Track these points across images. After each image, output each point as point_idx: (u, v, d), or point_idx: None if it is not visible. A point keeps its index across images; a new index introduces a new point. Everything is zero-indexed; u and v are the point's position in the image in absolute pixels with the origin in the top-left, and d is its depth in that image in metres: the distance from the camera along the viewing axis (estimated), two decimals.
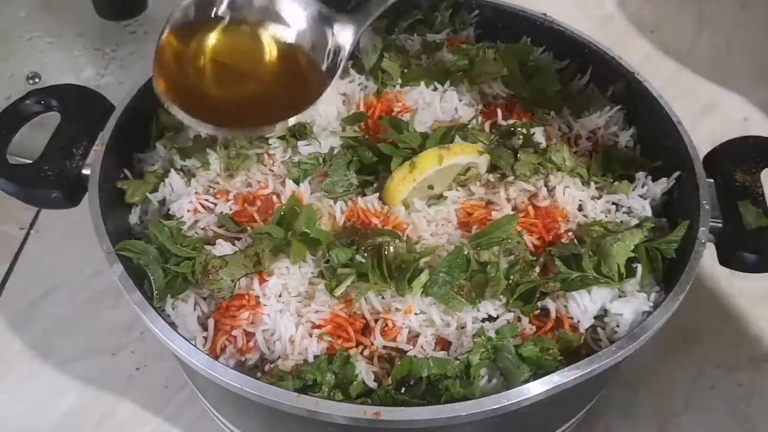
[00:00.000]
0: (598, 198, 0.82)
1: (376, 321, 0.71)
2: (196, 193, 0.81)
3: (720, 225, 0.78)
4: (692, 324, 1.04)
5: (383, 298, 0.72)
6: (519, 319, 0.71)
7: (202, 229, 0.79)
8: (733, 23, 1.49)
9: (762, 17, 1.50)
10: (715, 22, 1.49)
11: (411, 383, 0.67)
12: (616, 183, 0.84)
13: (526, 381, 0.65)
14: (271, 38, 0.81)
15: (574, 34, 0.96)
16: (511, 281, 0.72)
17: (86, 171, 0.81)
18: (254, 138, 0.86)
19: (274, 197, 0.80)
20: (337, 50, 0.80)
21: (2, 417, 0.96)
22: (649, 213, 0.81)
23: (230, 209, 0.80)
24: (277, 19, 0.80)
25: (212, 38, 0.80)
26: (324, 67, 0.80)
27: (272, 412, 0.64)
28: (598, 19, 1.51)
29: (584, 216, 0.80)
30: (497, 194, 0.80)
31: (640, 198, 0.82)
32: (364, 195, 0.82)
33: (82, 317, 1.05)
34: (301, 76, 0.81)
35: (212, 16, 0.79)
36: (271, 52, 0.81)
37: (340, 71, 0.80)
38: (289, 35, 0.81)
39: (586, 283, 0.71)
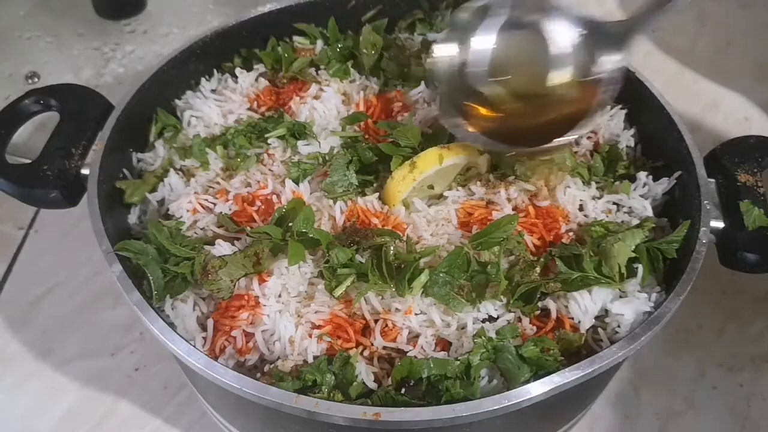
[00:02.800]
0: (599, 198, 0.82)
1: (376, 321, 0.71)
2: (195, 193, 0.81)
3: (721, 225, 0.77)
4: (693, 324, 1.04)
5: (383, 298, 0.72)
6: (519, 320, 0.71)
7: (201, 229, 0.79)
8: (734, 23, 1.49)
9: (762, 17, 1.50)
10: (715, 22, 1.49)
11: (411, 384, 0.67)
12: (617, 183, 0.84)
13: (527, 381, 0.65)
14: (545, 57, 0.79)
15: None
16: (511, 282, 0.72)
17: (85, 171, 0.81)
18: (254, 138, 0.86)
19: (274, 197, 0.80)
20: (611, 57, 0.77)
21: (2, 417, 0.96)
22: (650, 213, 0.81)
23: (229, 209, 0.80)
24: (548, 36, 0.78)
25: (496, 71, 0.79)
26: (598, 76, 0.77)
27: (272, 412, 0.64)
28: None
29: (585, 216, 0.80)
30: (497, 194, 0.80)
31: (641, 198, 0.82)
32: (364, 195, 0.82)
33: (81, 317, 1.05)
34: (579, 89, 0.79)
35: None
36: (549, 70, 0.79)
37: (607, 89, 0.77)
38: (557, 51, 0.78)
39: (586, 283, 0.71)
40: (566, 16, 0.78)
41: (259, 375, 0.69)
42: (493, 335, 0.68)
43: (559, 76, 0.78)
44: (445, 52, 0.80)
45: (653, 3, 0.76)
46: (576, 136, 0.80)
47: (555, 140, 0.77)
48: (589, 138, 0.90)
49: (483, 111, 0.80)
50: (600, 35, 0.77)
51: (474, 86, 0.79)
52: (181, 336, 0.68)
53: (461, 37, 0.79)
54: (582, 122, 0.77)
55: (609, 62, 0.76)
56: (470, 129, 0.79)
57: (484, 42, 0.79)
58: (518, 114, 0.80)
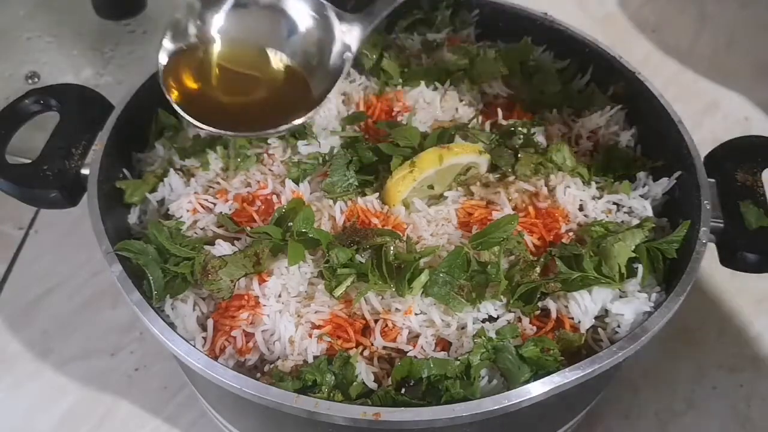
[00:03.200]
0: (599, 198, 0.82)
1: (376, 321, 0.71)
2: (195, 193, 0.81)
3: (721, 225, 0.77)
4: (693, 324, 1.04)
5: (383, 298, 0.72)
6: (519, 320, 0.71)
7: (201, 229, 0.79)
8: (734, 23, 1.49)
9: (762, 17, 1.50)
10: (715, 22, 1.49)
11: (411, 384, 0.67)
12: (616, 183, 0.84)
13: (527, 381, 0.65)
14: (277, 38, 0.80)
15: (575, 33, 0.96)
16: (511, 282, 0.72)
17: (85, 171, 0.81)
18: (254, 138, 0.86)
19: (274, 197, 0.80)
20: (344, 49, 0.79)
21: (2, 417, 0.96)
22: (650, 213, 0.81)
23: (229, 209, 0.80)
24: (284, 16, 0.80)
25: (217, 40, 0.80)
26: (330, 66, 0.79)
27: (272, 412, 0.64)
28: (599, 18, 1.51)
29: (585, 216, 0.80)
30: (497, 194, 0.80)
31: (640, 198, 0.82)
32: (364, 195, 0.82)
33: (81, 317, 1.05)
34: (307, 75, 0.80)
35: (216, 12, 0.79)
36: (277, 52, 0.81)
37: (346, 71, 0.79)
38: (296, 34, 0.80)
39: (586, 283, 0.71)
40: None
41: (259, 375, 0.69)
42: (493, 335, 0.68)
43: (283, 55, 0.80)
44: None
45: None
46: (291, 125, 0.78)
47: (272, 127, 0.77)
48: (589, 138, 0.90)
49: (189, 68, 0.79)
50: (334, 22, 0.79)
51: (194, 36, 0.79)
52: (181, 336, 0.68)
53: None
54: (301, 112, 0.77)
55: (337, 52, 0.78)
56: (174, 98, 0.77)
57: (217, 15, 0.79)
58: (233, 87, 0.80)
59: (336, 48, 0.79)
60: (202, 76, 0.79)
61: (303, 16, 0.80)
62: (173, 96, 0.76)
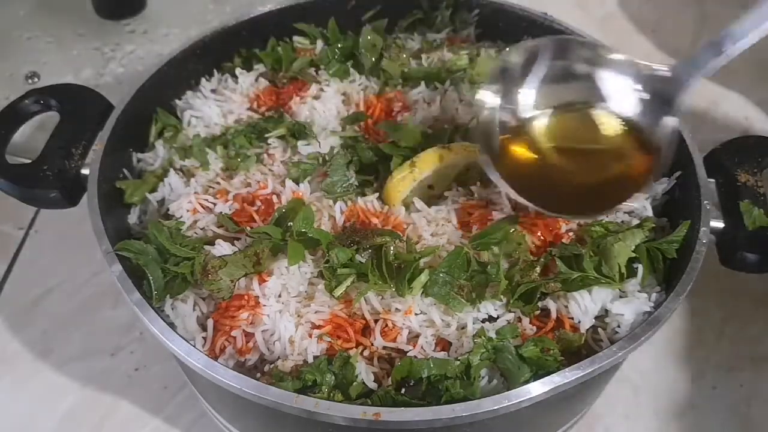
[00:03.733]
0: None
1: (376, 321, 0.71)
2: (195, 193, 0.81)
3: (721, 225, 0.77)
4: (693, 324, 1.04)
5: (383, 298, 0.72)
6: (519, 320, 0.71)
7: (201, 229, 0.79)
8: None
9: None
10: (715, 22, 1.49)
11: (411, 384, 0.67)
12: None
13: (527, 381, 0.65)
14: (600, 118, 0.73)
15: (575, 33, 0.96)
16: (511, 282, 0.72)
17: (85, 171, 0.81)
18: (254, 138, 0.86)
19: (274, 197, 0.80)
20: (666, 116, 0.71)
21: (2, 417, 0.96)
22: (650, 213, 0.81)
23: (229, 209, 0.80)
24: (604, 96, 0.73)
25: (543, 124, 0.74)
26: (657, 135, 0.72)
27: (272, 412, 0.64)
28: (599, 18, 1.51)
29: None
30: (497, 194, 0.80)
31: (641, 198, 0.82)
32: (364, 195, 0.82)
33: (82, 317, 1.05)
34: (635, 151, 0.73)
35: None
36: (604, 133, 0.73)
37: (671, 142, 0.71)
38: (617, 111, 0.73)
39: (586, 283, 0.71)
40: (623, 69, 0.72)
41: (259, 375, 0.69)
42: (493, 335, 0.68)
43: (613, 133, 0.72)
44: (488, 99, 0.74)
45: (702, 54, 0.70)
46: (627, 206, 0.72)
47: (599, 210, 0.71)
48: None
49: (519, 149, 0.73)
50: (656, 93, 0.71)
51: (514, 120, 0.73)
52: (181, 336, 0.68)
53: (505, 86, 0.74)
54: (636, 191, 0.71)
55: (667, 123, 0.71)
56: (496, 170, 0.72)
57: (529, 93, 0.73)
58: (557, 167, 0.73)
59: (662, 128, 0.71)
60: (531, 154, 0.73)
61: (622, 91, 0.72)
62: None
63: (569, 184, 0.74)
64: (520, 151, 0.74)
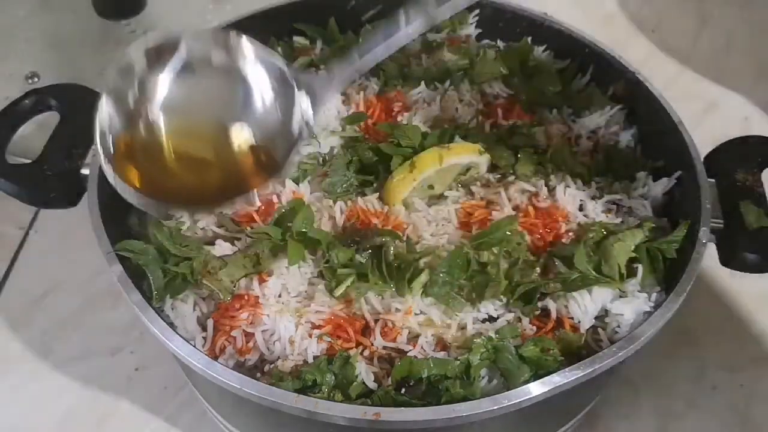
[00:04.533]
0: (599, 198, 0.82)
1: (376, 321, 0.71)
2: None
3: (721, 225, 0.77)
4: (693, 324, 1.04)
5: (383, 298, 0.72)
6: (519, 320, 0.71)
7: (201, 229, 0.79)
8: (734, 23, 1.49)
9: (763, 17, 1.50)
10: (716, 22, 1.49)
11: (411, 384, 0.67)
12: (616, 183, 0.84)
13: (527, 381, 0.65)
14: (232, 104, 0.70)
15: (575, 33, 0.96)
16: (511, 282, 0.72)
17: (85, 171, 0.81)
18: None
19: (274, 197, 0.80)
20: (302, 118, 0.70)
21: (2, 417, 0.96)
22: (649, 213, 0.81)
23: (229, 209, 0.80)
24: (240, 81, 0.70)
25: (164, 109, 0.69)
26: (291, 132, 0.70)
27: (272, 412, 0.64)
28: (599, 18, 1.51)
29: (585, 216, 0.80)
30: (497, 194, 0.80)
31: (640, 198, 0.82)
32: (364, 195, 0.82)
33: (82, 318, 1.05)
34: (268, 142, 0.70)
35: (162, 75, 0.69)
36: (233, 121, 0.70)
37: (301, 142, 0.71)
38: (253, 100, 0.70)
39: (586, 283, 0.71)
40: (262, 61, 0.69)
41: (259, 375, 0.69)
42: (493, 335, 0.68)
43: (242, 124, 0.69)
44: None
45: (346, 60, 0.70)
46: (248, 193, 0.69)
47: (228, 198, 0.69)
48: (589, 138, 0.90)
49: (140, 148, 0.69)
50: (291, 87, 0.70)
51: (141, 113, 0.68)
52: (181, 336, 0.68)
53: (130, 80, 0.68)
54: (261, 178, 0.69)
55: (298, 120, 0.70)
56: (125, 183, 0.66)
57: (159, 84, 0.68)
58: (188, 159, 0.70)
59: (296, 116, 0.70)
60: (150, 154, 0.69)
61: (259, 81, 0.70)
62: (122, 175, 0.67)
63: (187, 180, 0.71)
64: (135, 141, 0.69)
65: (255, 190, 0.70)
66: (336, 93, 0.73)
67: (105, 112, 0.68)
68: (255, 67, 0.69)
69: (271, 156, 0.70)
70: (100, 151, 0.67)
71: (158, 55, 0.68)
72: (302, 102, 0.70)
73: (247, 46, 0.69)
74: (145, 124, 0.68)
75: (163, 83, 0.68)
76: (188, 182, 0.70)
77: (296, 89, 0.70)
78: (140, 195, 0.67)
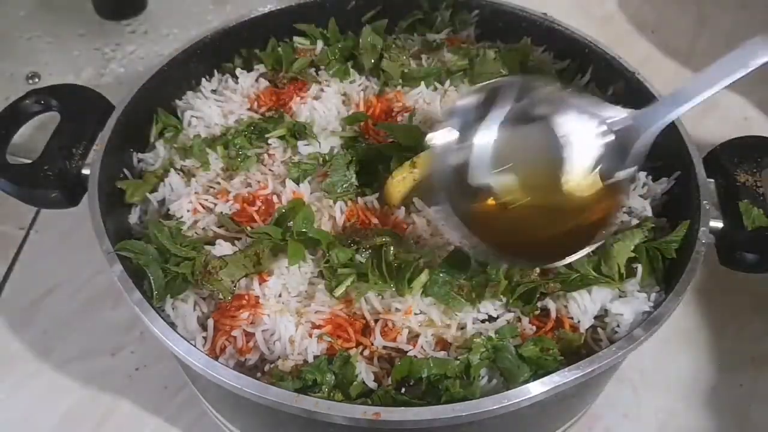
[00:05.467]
0: None
1: (376, 321, 0.71)
2: (195, 193, 0.81)
3: (720, 225, 0.77)
4: (693, 324, 1.04)
5: (383, 298, 0.72)
6: (519, 320, 0.71)
7: (202, 229, 0.79)
8: (734, 23, 1.49)
9: (762, 17, 1.50)
10: (715, 22, 1.49)
11: (411, 383, 0.67)
12: None
13: (527, 381, 0.65)
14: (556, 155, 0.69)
15: (575, 34, 0.96)
16: (511, 281, 0.72)
17: (86, 171, 0.81)
18: (254, 138, 0.86)
19: (274, 197, 0.80)
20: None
21: (2, 417, 0.96)
22: (649, 213, 0.81)
23: (230, 209, 0.80)
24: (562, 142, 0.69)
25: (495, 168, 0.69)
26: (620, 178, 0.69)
27: (272, 412, 0.64)
28: (599, 18, 1.51)
29: None
30: None
31: (640, 198, 0.82)
32: (364, 195, 0.82)
33: (82, 317, 1.05)
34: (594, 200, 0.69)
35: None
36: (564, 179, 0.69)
37: (627, 189, 0.70)
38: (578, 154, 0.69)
39: (586, 283, 0.71)
40: (582, 110, 0.69)
41: (259, 375, 0.69)
42: (492, 335, 0.68)
43: (577, 177, 0.68)
44: (444, 136, 0.69)
45: (662, 106, 0.69)
46: (593, 248, 0.68)
47: (571, 255, 0.68)
48: None
49: (487, 209, 0.69)
50: (616, 140, 0.69)
51: (475, 182, 0.69)
52: (181, 336, 0.68)
53: (463, 126, 0.69)
54: (600, 232, 0.68)
55: (622, 173, 0.68)
56: (476, 238, 0.67)
57: (488, 134, 0.68)
58: (528, 219, 0.70)
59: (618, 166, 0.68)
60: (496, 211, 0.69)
61: (582, 133, 0.69)
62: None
63: (528, 234, 0.71)
64: (479, 200, 0.70)
65: (586, 248, 0.67)
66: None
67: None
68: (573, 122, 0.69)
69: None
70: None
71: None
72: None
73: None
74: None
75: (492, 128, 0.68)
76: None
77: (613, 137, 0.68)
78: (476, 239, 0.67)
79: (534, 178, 0.71)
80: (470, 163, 0.69)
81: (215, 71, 0.97)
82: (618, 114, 0.69)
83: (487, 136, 0.69)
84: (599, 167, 0.69)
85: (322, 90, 0.93)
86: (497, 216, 0.70)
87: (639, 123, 0.69)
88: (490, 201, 0.70)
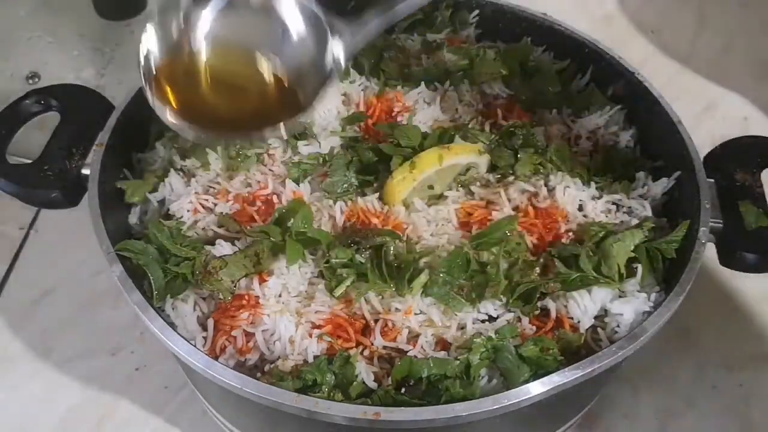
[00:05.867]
0: (599, 198, 0.82)
1: (376, 321, 0.71)
2: (195, 193, 0.81)
3: (720, 225, 0.77)
4: (693, 324, 1.04)
5: (383, 298, 0.72)
6: (519, 320, 0.71)
7: (202, 229, 0.79)
8: (734, 23, 1.49)
9: (762, 17, 1.50)
10: (715, 22, 1.49)
11: (411, 383, 0.67)
12: (616, 183, 0.84)
13: (527, 381, 0.65)
14: (267, 42, 0.76)
15: (575, 34, 0.96)
16: (511, 281, 0.72)
17: (86, 171, 0.81)
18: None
19: (274, 197, 0.80)
20: (333, 60, 0.75)
21: (2, 417, 0.96)
22: (649, 213, 0.81)
23: (230, 209, 0.80)
24: (275, 21, 0.76)
25: (205, 42, 0.75)
26: (321, 75, 0.75)
27: (272, 412, 0.64)
28: (599, 18, 1.51)
29: (584, 216, 0.80)
30: (497, 194, 0.80)
31: (640, 198, 0.82)
32: (364, 195, 0.82)
33: (82, 317, 1.05)
34: (296, 82, 0.76)
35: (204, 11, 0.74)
36: (266, 57, 0.76)
37: (331, 83, 0.75)
38: (287, 39, 0.76)
39: (586, 283, 0.71)
40: (299, 5, 0.75)
41: (259, 375, 0.69)
42: (492, 335, 0.68)
43: (273, 61, 0.75)
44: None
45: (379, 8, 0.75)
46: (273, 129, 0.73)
47: (259, 128, 0.73)
48: (588, 138, 0.90)
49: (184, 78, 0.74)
50: (326, 32, 0.75)
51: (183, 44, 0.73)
52: (181, 336, 0.68)
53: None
54: (284, 117, 0.73)
55: (328, 62, 0.74)
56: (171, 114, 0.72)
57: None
58: (221, 90, 0.75)
59: (327, 58, 0.75)
60: (189, 80, 0.75)
61: (295, 22, 0.75)
62: (162, 99, 0.72)
63: (221, 107, 0.76)
64: (176, 70, 0.75)
65: (284, 124, 0.73)
66: (367, 40, 0.76)
67: (149, 39, 0.73)
68: (291, 9, 0.75)
69: (301, 91, 0.75)
70: (142, 74, 0.72)
71: None
72: (334, 46, 0.74)
73: None
74: (186, 52, 0.74)
75: (206, 17, 0.74)
76: (222, 110, 0.76)
77: (330, 33, 0.74)
78: (176, 116, 0.72)
79: (238, 52, 0.76)
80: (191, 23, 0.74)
81: None
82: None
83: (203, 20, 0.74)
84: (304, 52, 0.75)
85: None
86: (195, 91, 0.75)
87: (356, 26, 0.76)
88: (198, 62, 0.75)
